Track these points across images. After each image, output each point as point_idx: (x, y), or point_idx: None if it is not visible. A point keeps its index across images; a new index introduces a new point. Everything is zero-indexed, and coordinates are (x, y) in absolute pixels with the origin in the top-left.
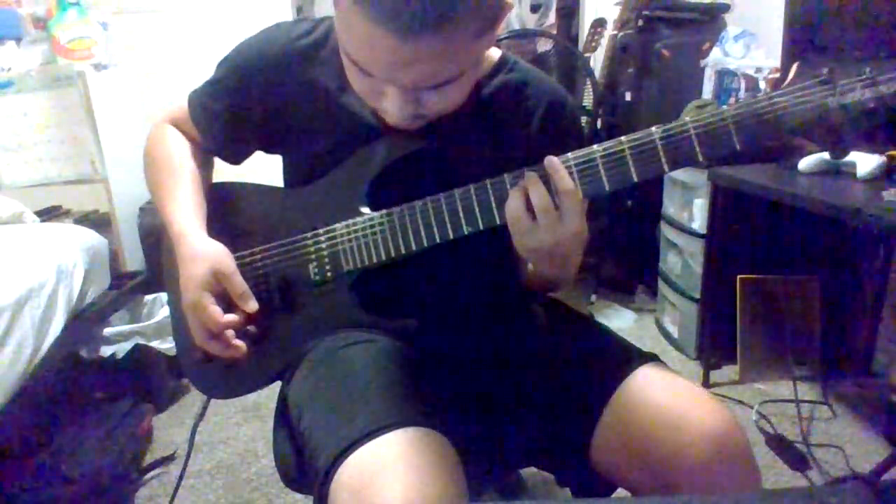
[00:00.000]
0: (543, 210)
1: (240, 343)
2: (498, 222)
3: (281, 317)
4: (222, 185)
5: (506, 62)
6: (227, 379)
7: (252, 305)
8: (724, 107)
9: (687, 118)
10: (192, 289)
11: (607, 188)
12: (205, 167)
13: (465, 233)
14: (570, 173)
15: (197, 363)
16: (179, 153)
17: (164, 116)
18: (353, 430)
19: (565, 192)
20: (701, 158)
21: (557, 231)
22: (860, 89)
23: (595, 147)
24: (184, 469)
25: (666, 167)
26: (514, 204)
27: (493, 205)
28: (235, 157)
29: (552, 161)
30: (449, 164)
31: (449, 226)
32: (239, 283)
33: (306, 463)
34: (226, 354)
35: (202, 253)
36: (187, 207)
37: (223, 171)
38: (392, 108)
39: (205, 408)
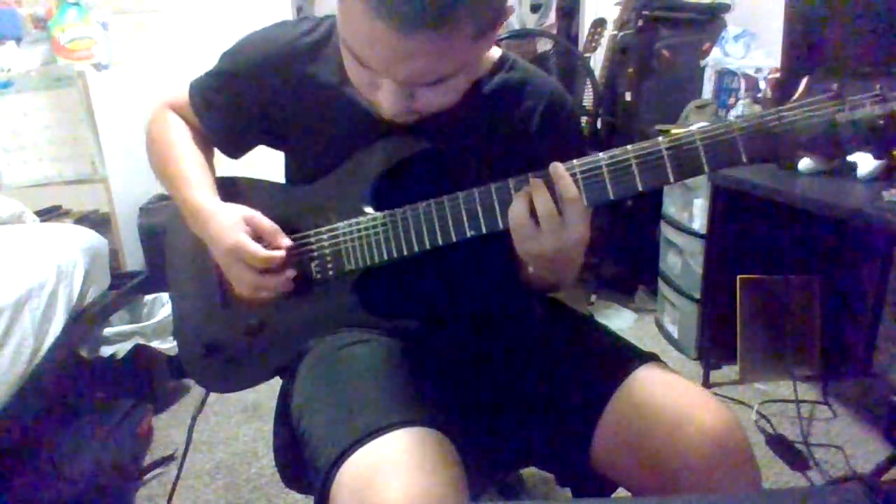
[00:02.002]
0: (547, 217)
1: (289, 271)
2: (501, 227)
3: (282, 313)
4: (227, 180)
5: (505, 61)
6: (227, 373)
7: (286, 241)
8: (732, 119)
9: (693, 128)
10: (228, 235)
11: (612, 196)
12: (207, 154)
13: (468, 236)
14: (575, 180)
15: (198, 357)
16: (184, 138)
17: (165, 101)
18: (354, 429)
19: (570, 199)
20: (707, 170)
21: (560, 237)
22: (870, 105)
23: (601, 155)
24: (181, 464)
25: (671, 178)
26: (517, 209)
27: (497, 209)
28: (235, 151)
29: (557, 168)
30: (451, 163)
31: (452, 229)
32: (269, 223)
33: (307, 463)
34: (276, 283)
35: (226, 206)
36: (203, 184)
37: (225, 170)
38: (386, 101)
39: (203, 402)
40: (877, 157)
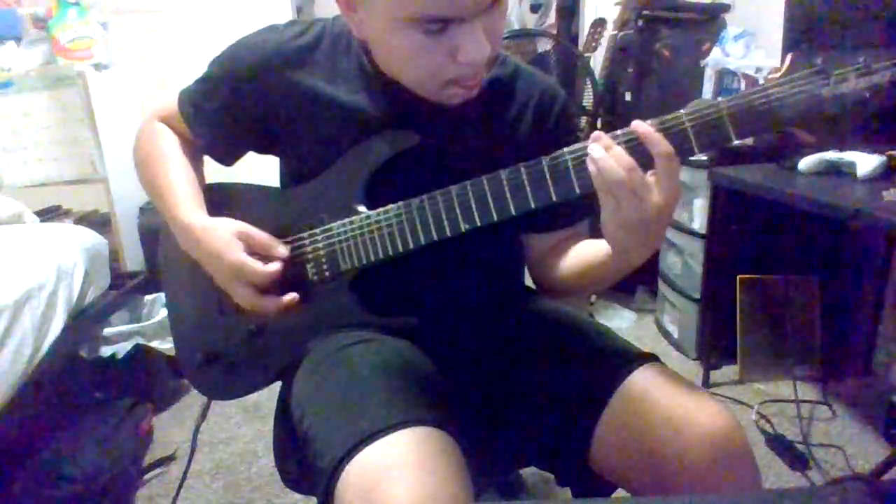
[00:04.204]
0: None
1: (292, 295)
2: (495, 218)
3: (281, 317)
4: (218, 186)
5: (497, 57)
6: (228, 380)
7: (282, 251)
8: (721, 99)
9: (682, 110)
10: (225, 256)
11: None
12: (196, 164)
13: (463, 230)
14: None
15: (198, 366)
16: (172, 150)
17: (153, 113)
18: (359, 429)
19: (665, 155)
20: (697, 150)
21: (661, 195)
22: (854, 79)
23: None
24: (186, 471)
25: None
26: (616, 164)
27: (491, 201)
28: (227, 158)
29: (641, 125)
30: (444, 159)
31: (446, 223)
32: (263, 235)
33: (309, 463)
34: (281, 308)
35: (218, 223)
36: (191, 201)
37: (218, 172)
38: (474, 48)
39: (206, 409)
40: (869, 134)
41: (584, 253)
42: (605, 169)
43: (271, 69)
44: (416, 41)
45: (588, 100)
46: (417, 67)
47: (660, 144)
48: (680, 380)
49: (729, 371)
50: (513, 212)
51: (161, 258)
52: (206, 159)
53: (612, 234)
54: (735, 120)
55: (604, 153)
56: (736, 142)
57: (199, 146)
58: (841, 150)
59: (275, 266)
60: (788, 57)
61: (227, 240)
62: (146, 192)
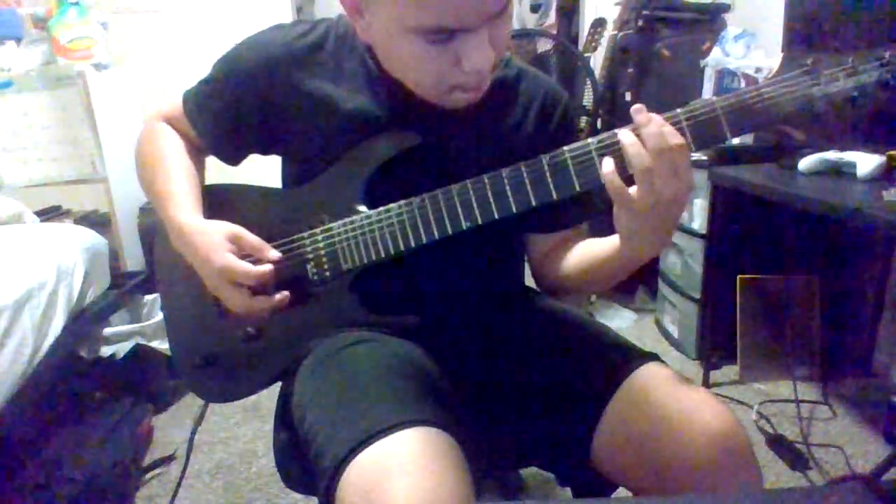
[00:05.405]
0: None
1: (283, 293)
2: (496, 216)
3: (280, 318)
4: (217, 187)
5: (500, 58)
6: (227, 383)
7: (273, 254)
8: (714, 97)
9: (679, 109)
10: (215, 258)
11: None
12: (198, 166)
13: (464, 228)
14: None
15: (196, 369)
16: (173, 151)
17: (156, 114)
18: (361, 429)
19: (678, 147)
20: (694, 148)
21: (677, 182)
22: (843, 79)
23: (590, 140)
24: (183, 472)
25: None
26: (643, 147)
27: (492, 198)
28: (232, 157)
29: (653, 118)
30: (445, 159)
31: (447, 221)
32: (254, 238)
33: (310, 463)
34: (272, 307)
35: (210, 226)
36: (187, 202)
37: (220, 172)
38: (479, 56)
39: (203, 412)
40: (859, 137)
41: (589, 250)
42: (632, 155)
43: (276, 69)
44: (422, 49)
45: (588, 100)
46: (422, 73)
47: (675, 136)
48: (681, 379)
49: (729, 371)
50: (514, 209)
51: (157, 260)
52: (211, 159)
53: (624, 222)
54: (729, 118)
55: (633, 139)
56: (733, 140)
57: (204, 146)
58: (841, 149)
59: (264, 268)
60: (780, 57)
61: (216, 241)
62: (145, 193)
